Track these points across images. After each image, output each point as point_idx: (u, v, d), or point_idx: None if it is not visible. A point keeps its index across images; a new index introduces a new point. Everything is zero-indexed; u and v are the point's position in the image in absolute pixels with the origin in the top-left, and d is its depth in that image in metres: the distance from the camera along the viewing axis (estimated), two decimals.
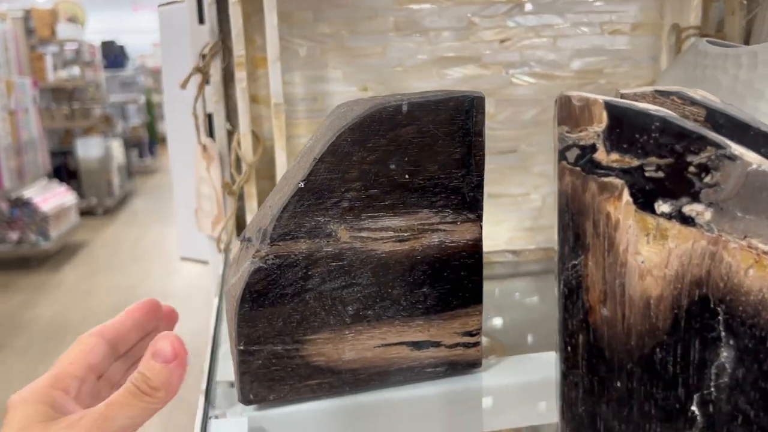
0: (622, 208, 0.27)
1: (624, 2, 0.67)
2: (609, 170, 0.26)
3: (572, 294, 0.28)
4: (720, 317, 0.26)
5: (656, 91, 0.30)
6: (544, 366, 0.40)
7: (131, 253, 3.56)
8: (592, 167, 0.27)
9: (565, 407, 0.29)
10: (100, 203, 4.37)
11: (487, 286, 0.66)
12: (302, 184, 0.36)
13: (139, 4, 8.11)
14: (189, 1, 0.75)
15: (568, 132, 0.27)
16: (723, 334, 0.27)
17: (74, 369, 0.34)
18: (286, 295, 0.36)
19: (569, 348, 0.28)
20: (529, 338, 0.61)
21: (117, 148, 4.65)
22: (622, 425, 0.28)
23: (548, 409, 0.38)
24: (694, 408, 0.27)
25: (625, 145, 0.26)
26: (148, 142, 6.19)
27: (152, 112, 6.64)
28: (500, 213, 0.67)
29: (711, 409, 0.27)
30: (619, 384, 0.28)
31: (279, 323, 0.37)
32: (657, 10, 0.67)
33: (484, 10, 0.64)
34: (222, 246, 0.62)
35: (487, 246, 0.66)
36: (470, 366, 0.40)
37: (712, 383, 0.27)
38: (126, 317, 0.37)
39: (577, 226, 0.27)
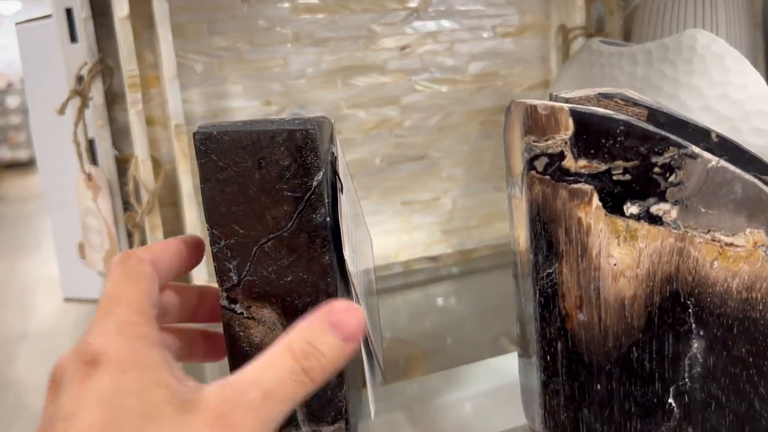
0: (592, 213, 0.27)
1: (511, 5, 0.69)
2: (578, 176, 0.26)
3: (548, 302, 0.28)
4: (690, 310, 0.27)
5: (599, 94, 0.31)
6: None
7: None
8: (562, 175, 0.27)
9: (547, 416, 0.29)
10: None
11: (410, 294, 0.67)
12: None
13: None
14: (57, 18, 0.68)
15: (535, 141, 0.26)
16: (693, 326, 0.27)
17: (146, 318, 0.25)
18: None
19: (548, 357, 0.28)
20: (451, 341, 0.61)
21: None
22: (604, 426, 0.29)
23: None
24: (670, 400, 0.28)
25: (592, 151, 0.26)
26: None
27: None
28: (414, 219, 0.67)
29: (686, 399, 0.28)
30: (599, 386, 0.28)
31: None
32: (543, 12, 0.70)
33: (382, 18, 0.64)
34: None
35: (407, 254, 0.67)
36: None
37: (686, 374, 0.28)
38: (171, 245, 0.30)
39: (549, 235, 0.27)
